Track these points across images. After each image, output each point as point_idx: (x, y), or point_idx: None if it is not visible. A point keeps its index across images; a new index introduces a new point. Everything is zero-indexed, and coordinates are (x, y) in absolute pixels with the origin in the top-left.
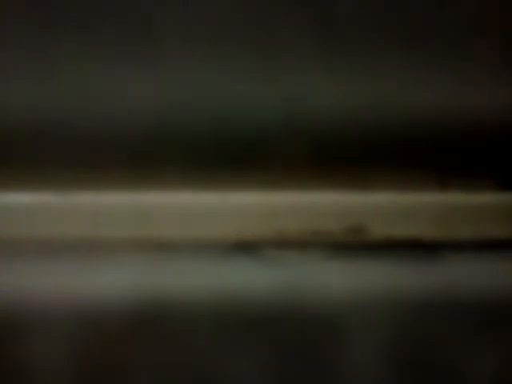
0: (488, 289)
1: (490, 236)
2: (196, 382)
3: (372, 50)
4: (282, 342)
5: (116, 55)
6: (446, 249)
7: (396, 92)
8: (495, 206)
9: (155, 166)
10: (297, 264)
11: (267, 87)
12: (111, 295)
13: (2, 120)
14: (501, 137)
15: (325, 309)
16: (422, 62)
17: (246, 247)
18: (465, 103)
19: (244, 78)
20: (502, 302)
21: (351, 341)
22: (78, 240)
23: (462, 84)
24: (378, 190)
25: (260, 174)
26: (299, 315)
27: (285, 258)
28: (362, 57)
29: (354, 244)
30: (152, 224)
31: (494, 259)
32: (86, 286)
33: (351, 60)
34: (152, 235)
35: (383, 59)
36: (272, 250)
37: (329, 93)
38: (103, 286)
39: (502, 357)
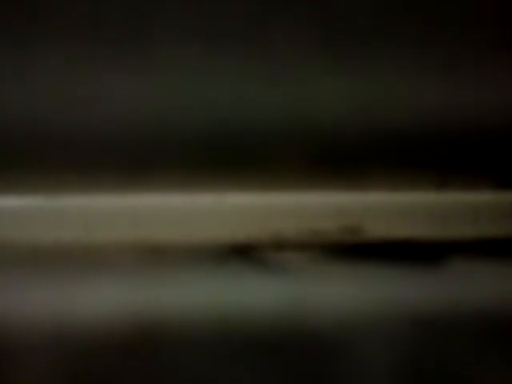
0: (488, 290)
1: (489, 235)
2: None
3: (371, 50)
4: (284, 351)
5: (114, 57)
6: (445, 249)
7: (394, 92)
8: (494, 205)
9: (149, 167)
10: (295, 269)
11: (265, 88)
12: (104, 308)
13: None
14: (499, 135)
15: (326, 316)
16: (421, 62)
17: (242, 250)
18: (463, 102)
19: (242, 78)
20: (502, 305)
21: (353, 347)
22: (70, 244)
23: (460, 83)
24: (376, 190)
25: (257, 175)
26: (299, 323)
27: (283, 262)
28: (361, 57)
29: (352, 246)
30: (146, 227)
31: (493, 259)
32: (78, 297)
33: (349, 60)
34: (146, 238)
35: (381, 60)
36: (269, 253)
37: (326, 93)
38: (95, 296)
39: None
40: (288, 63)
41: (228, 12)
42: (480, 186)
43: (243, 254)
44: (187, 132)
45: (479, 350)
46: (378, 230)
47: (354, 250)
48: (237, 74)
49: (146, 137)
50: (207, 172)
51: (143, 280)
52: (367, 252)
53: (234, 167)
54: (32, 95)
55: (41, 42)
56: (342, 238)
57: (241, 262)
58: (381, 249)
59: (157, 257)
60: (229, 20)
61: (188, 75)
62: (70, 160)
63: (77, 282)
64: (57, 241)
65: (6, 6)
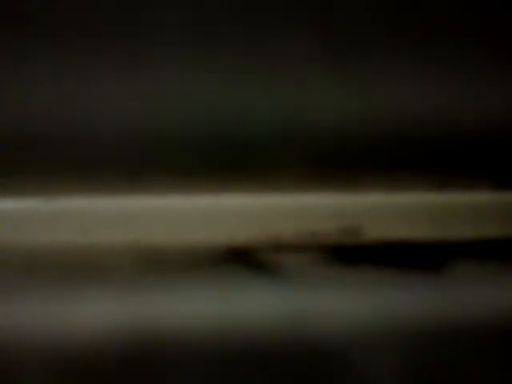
0: (489, 291)
1: (490, 236)
2: None
3: (370, 53)
4: (283, 353)
5: (114, 60)
6: (444, 249)
7: (393, 93)
8: (494, 205)
9: (147, 169)
10: (294, 270)
11: (264, 90)
12: (101, 310)
13: None
14: (499, 136)
15: (325, 318)
16: (420, 62)
17: (241, 252)
18: (463, 103)
19: (241, 80)
20: (503, 307)
21: (352, 349)
22: (68, 247)
23: (459, 84)
24: (375, 191)
25: (255, 177)
26: (298, 325)
27: (281, 264)
28: (360, 59)
29: (351, 247)
30: (144, 229)
31: (493, 259)
32: (76, 298)
33: (348, 62)
34: (144, 240)
35: (381, 61)
36: (268, 255)
37: (325, 95)
38: (93, 298)
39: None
40: (287, 65)
41: (228, 14)
42: (480, 187)
43: (242, 255)
44: (185, 134)
45: (480, 354)
46: (377, 231)
47: (353, 251)
48: (236, 76)
49: (144, 139)
50: (205, 174)
51: (141, 282)
52: (366, 254)
53: (232, 169)
54: (31, 98)
55: (41, 44)
56: (341, 239)
57: (239, 264)
58: (380, 250)
59: (155, 259)
60: (229, 22)
61: (187, 77)
62: (68, 162)
63: (75, 283)
64: (55, 243)
65: (6, 7)
